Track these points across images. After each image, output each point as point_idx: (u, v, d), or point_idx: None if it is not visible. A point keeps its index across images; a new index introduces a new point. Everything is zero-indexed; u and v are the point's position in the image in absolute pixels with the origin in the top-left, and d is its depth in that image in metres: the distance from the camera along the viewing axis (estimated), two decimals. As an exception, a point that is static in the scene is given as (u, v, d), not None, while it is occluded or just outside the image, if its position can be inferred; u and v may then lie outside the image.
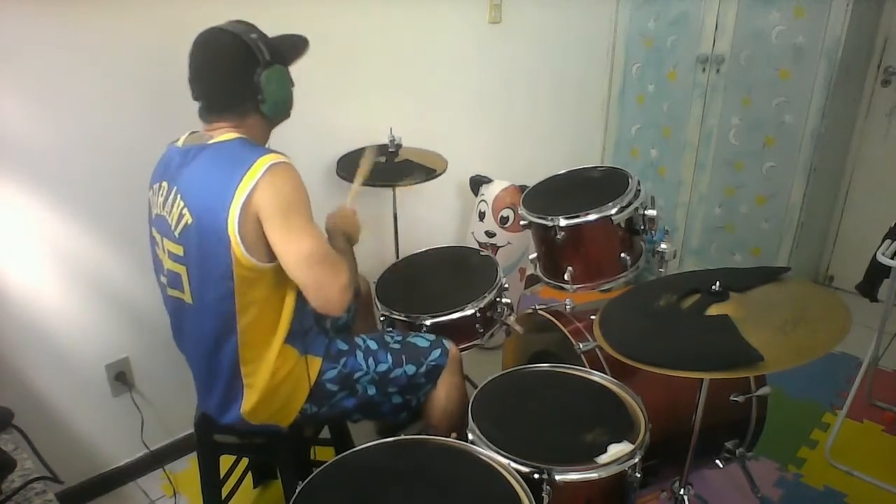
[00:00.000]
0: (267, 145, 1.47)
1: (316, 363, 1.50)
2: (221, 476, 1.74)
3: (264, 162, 1.28)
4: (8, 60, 1.60)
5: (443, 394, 1.63)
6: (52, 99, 1.69)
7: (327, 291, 1.36)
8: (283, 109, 1.43)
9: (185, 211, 1.32)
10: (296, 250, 1.31)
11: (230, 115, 1.38)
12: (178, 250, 1.36)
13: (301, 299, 1.43)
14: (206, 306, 1.38)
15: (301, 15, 2.10)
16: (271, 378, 1.43)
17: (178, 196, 1.33)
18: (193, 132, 1.42)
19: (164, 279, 1.45)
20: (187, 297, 1.40)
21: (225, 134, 1.36)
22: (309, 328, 1.51)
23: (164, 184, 1.38)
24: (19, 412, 1.12)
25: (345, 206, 1.67)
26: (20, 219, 1.71)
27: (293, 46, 1.47)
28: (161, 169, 1.42)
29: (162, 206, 1.38)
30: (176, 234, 1.35)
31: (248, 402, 1.45)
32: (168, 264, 1.40)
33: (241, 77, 1.36)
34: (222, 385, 1.46)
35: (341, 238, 1.59)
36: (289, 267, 1.32)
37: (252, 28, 1.39)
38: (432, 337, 1.66)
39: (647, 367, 1.22)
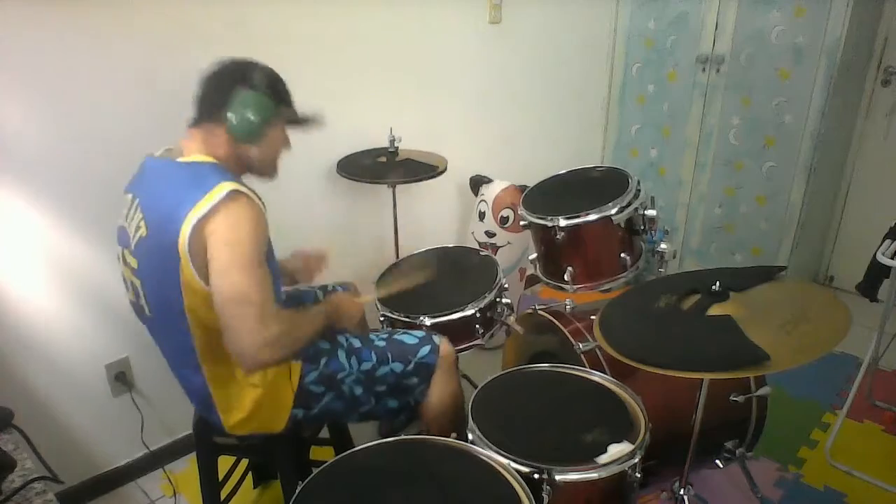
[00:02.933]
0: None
1: (296, 368, 1.48)
2: (221, 476, 1.74)
3: (224, 187, 1.25)
4: (4, 61, 1.60)
5: (435, 394, 1.60)
6: (53, 101, 1.69)
7: (242, 339, 1.25)
8: (245, 135, 1.36)
9: (142, 223, 1.31)
10: (224, 284, 1.24)
11: (204, 124, 1.37)
12: (134, 263, 1.35)
13: None
14: (164, 321, 1.37)
15: (300, 15, 2.11)
16: (248, 396, 1.42)
17: (139, 208, 1.33)
18: (169, 148, 1.41)
19: (129, 292, 1.44)
20: (147, 311, 1.39)
21: (196, 155, 1.35)
22: None
23: (130, 195, 1.38)
24: (19, 412, 1.12)
25: (357, 300, 1.67)
26: (20, 220, 1.71)
27: (291, 101, 1.46)
28: (133, 181, 1.42)
29: (125, 217, 1.38)
30: (132, 245, 1.34)
31: (227, 420, 1.45)
32: (127, 275, 1.40)
33: (224, 87, 1.35)
34: (197, 399, 1.46)
35: (331, 316, 1.51)
36: (215, 300, 1.25)
37: (272, 72, 1.40)
38: (421, 334, 1.63)
39: (649, 368, 1.22)
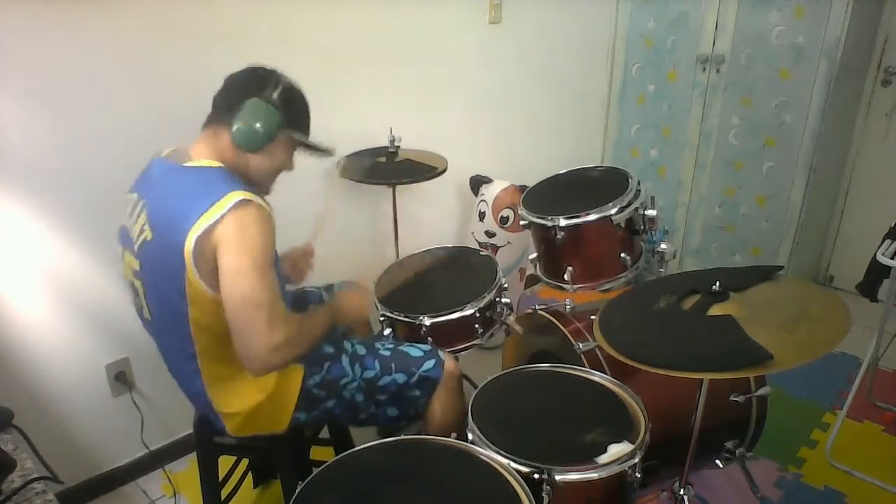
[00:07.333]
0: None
1: (299, 370, 1.48)
2: (222, 476, 1.74)
3: (233, 196, 1.25)
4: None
5: (438, 409, 1.58)
6: (49, 103, 1.69)
7: (251, 342, 1.26)
8: (247, 142, 1.36)
9: (146, 227, 1.31)
10: (235, 288, 1.25)
11: (212, 127, 1.38)
12: (136, 265, 1.35)
13: None
14: (164, 324, 1.38)
15: (300, 15, 2.11)
16: (248, 400, 1.42)
17: (144, 211, 1.33)
18: (176, 149, 1.41)
19: (129, 292, 1.44)
20: (146, 313, 1.40)
21: (205, 160, 1.35)
22: None
23: (135, 195, 1.38)
24: (19, 412, 1.12)
25: (360, 291, 1.65)
26: (20, 220, 1.71)
27: (307, 125, 1.47)
28: (139, 180, 1.42)
29: (128, 217, 1.38)
30: (135, 247, 1.34)
31: (228, 423, 1.45)
32: (128, 275, 1.40)
33: (241, 91, 1.36)
34: (199, 403, 1.47)
35: (336, 313, 1.53)
36: (225, 305, 1.27)
37: (294, 90, 1.41)
38: (427, 347, 1.62)
39: (649, 368, 1.22)
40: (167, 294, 1.31)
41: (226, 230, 1.24)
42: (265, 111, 1.35)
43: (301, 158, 1.52)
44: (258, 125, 1.35)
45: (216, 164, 1.34)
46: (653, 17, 3.10)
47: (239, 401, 1.43)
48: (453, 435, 1.35)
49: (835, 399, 2.41)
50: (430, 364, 1.57)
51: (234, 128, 1.35)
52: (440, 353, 1.61)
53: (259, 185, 1.44)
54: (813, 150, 2.76)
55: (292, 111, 1.41)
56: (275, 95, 1.37)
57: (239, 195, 1.26)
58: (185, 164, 1.34)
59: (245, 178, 1.40)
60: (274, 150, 1.41)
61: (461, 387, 1.66)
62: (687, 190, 3.23)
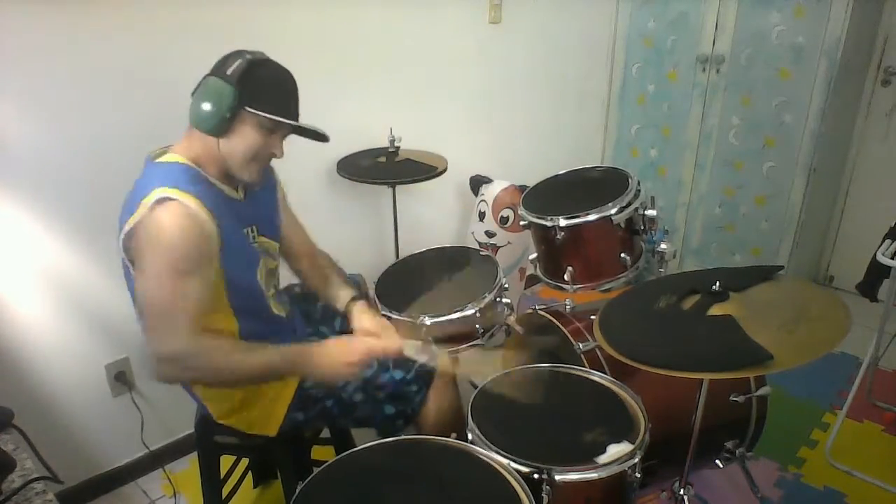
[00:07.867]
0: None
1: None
2: (221, 476, 1.74)
3: (154, 195, 1.22)
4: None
5: (433, 404, 1.58)
6: (52, 103, 1.69)
7: (147, 341, 1.26)
8: (205, 124, 1.29)
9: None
10: (137, 286, 1.28)
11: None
12: None
13: (245, 321, 1.41)
14: (138, 316, 1.39)
15: (300, 15, 2.11)
16: (228, 391, 1.44)
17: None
18: (164, 148, 1.40)
19: None
20: None
21: (173, 154, 1.34)
22: (274, 337, 1.42)
23: None
24: (19, 412, 1.12)
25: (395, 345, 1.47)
26: (19, 219, 1.71)
27: (278, 102, 1.33)
28: None
29: None
30: None
31: (212, 410, 1.47)
32: None
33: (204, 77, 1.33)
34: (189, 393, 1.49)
35: (300, 363, 1.37)
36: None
37: (253, 65, 1.29)
38: (419, 342, 1.60)
39: (649, 368, 1.22)
40: (130, 286, 1.36)
41: (140, 230, 1.24)
42: (216, 89, 1.27)
43: (299, 153, 1.51)
44: (208, 104, 1.27)
45: (174, 158, 1.32)
46: (653, 17, 3.10)
47: (219, 391, 1.45)
48: (453, 435, 1.35)
49: (835, 399, 2.41)
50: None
51: (191, 112, 1.29)
52: (433, 346, 1.62)
53: (238, 172, 1.36)
54: (813, 150, 2.75)
55: (253, 86, 1.28)
56: (229, 72, 1.27)
57: (160, 192, 1.22)
58: (154, 161, 1.34)
59: (222, 168, 1.36)
60: (241, 132, 1.31)
61: (455, 385, 1.67)
62: (687, 190, 3.23)
